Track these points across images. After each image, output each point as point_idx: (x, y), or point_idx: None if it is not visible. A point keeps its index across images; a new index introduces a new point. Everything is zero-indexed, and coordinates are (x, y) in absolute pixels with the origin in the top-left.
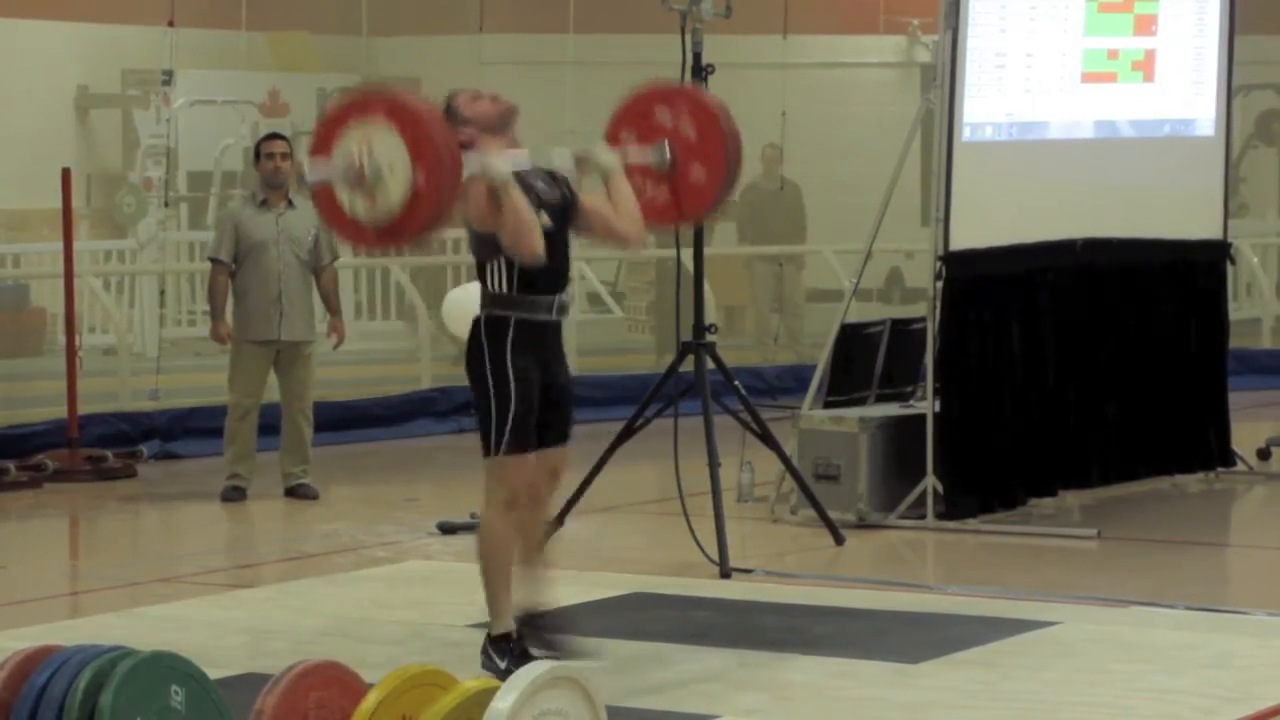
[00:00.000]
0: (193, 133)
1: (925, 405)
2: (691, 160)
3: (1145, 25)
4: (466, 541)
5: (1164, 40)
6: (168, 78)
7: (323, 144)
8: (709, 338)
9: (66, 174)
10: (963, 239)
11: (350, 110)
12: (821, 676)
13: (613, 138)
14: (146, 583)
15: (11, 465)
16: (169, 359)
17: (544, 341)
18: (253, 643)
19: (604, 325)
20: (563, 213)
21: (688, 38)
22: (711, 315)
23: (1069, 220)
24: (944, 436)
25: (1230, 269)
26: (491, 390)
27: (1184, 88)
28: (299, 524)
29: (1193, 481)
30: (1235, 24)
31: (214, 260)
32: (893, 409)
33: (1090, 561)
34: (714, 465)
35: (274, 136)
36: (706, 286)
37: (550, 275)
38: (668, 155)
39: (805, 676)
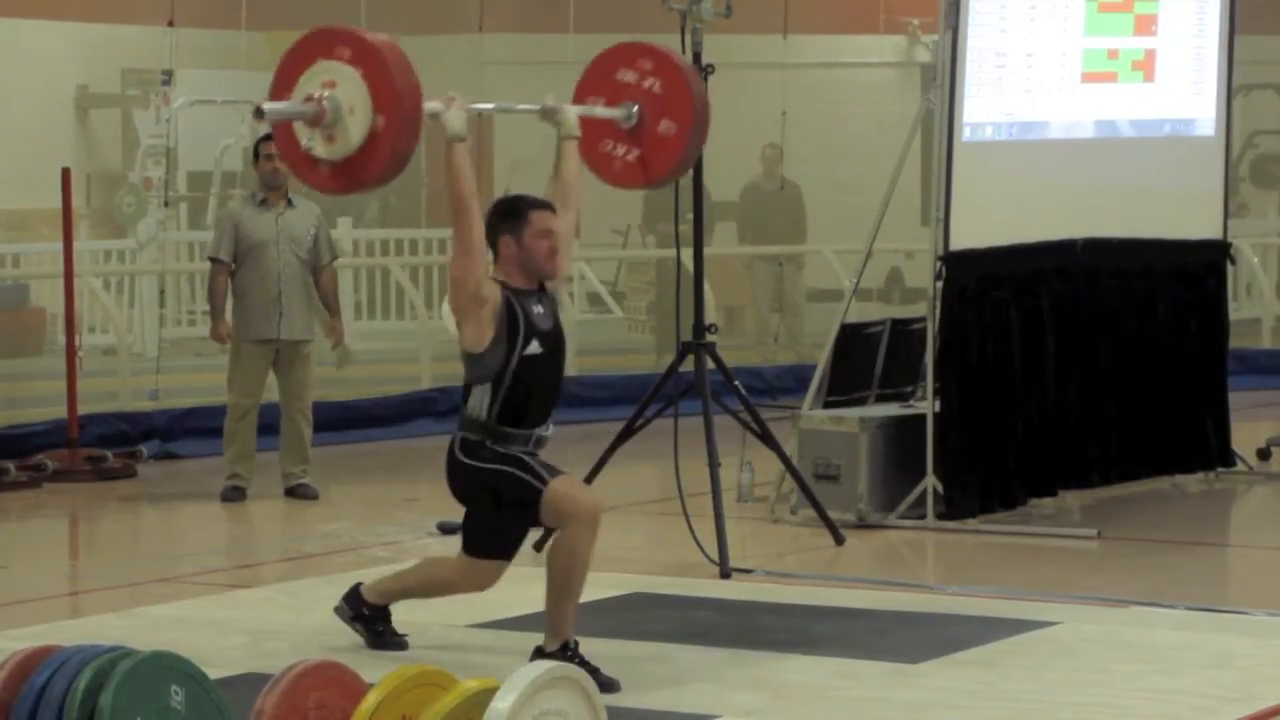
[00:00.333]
0: (192, 133)
1: (925, 405)
2: (660, 115)
3: (1145, 25)
4: None
5: (1164, 40)
6: (167, 78)
7: (286, 80)
8: (709, 338)
9: (66, 174)
10: (963, 239)
11: (316, 49)
12: (821, 676)
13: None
14: (146, 583)
15: (11, 465)
16: (169, 359)
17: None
18: (253, 643)
19: (604, 325)
20: (554, 341)
21: (688, 38)
22: (711, 315)
23: (1069, 220)
24: (944, 436)
25: (1230, 269)
26: (498, 469)
27: (1184, 88)
28: (299, 524)
29: (1193, 481)
30: (1235, 24)
31: (214, 260)
32: (893, 409)
33: (1090, 561)
34: (714, 465)
35: (273, 137)
36: (706, 286)
37: (535, 407)
38: (635, 110)
39: (805, 676)
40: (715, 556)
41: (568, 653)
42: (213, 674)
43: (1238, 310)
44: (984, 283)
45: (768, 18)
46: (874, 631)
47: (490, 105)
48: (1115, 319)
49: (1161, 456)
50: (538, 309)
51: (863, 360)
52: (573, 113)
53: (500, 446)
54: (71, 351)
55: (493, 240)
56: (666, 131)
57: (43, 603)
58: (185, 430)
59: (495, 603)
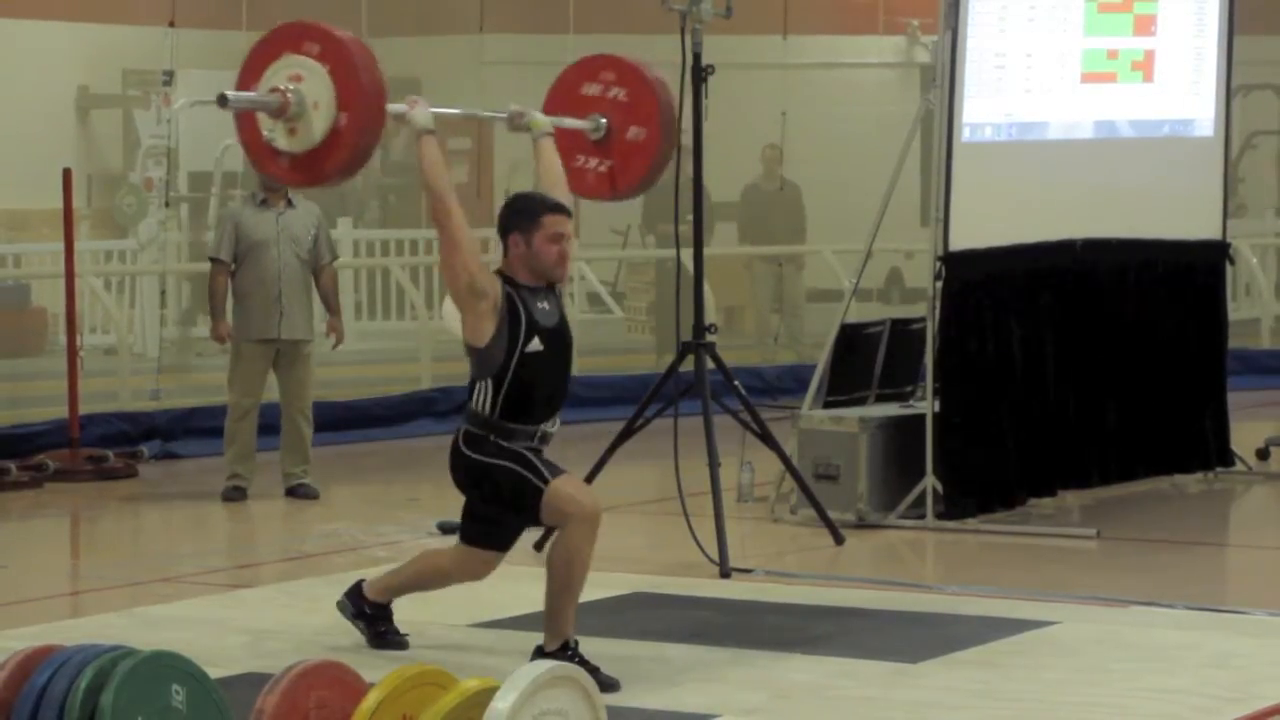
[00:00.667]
0: (193, 133)
1: (925, 405)
2: (628, 123)
3: (1145, 25)
4: None
5: (1163, 40)
6: (168, 78)
7: (253, 70)
8: (709, 338)
9: (67, 174)
10: (962, 239)
11: (284, 43)
12: (821, 676)
13: None
14: (147, 582)
15: (13, 465)
16: (169, 359)
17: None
18: (253, 642)
19: (604, 325)
20: (559, 338)
21: (688, 38)
22: (711, 315)
23: (1068, 220)
24: (943, 436)
25: (1229, 269)
26: (500, 465)
27: (1183, 88)
28: (299, 524)
29: (1192, 481)
30: (1234, 24)
31: (214, 260)
32: (892, 409)
33: (1090, 561)
34: (714, 465)
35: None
36: (706, 286)
37: (538, 403)
38: (602, 122)
39: (805, 676)
40: (715, 556)
41: (568, 652)
42: (213, 673)
43: (1237, 310)
44: (984, 283)
45: (768, 18)
46: (874, 631)
47: (455, 110)
48: (1114, 319)
49: (1161, 456)
50: (542, 305)
51: (863, 360)
52: (539, 114)
53: (504, 441)
54: (73, 351)
55: (503, 235)
56: (636, 138)
57: (44, 602)
58: (186, 430)
59: (495, 603)
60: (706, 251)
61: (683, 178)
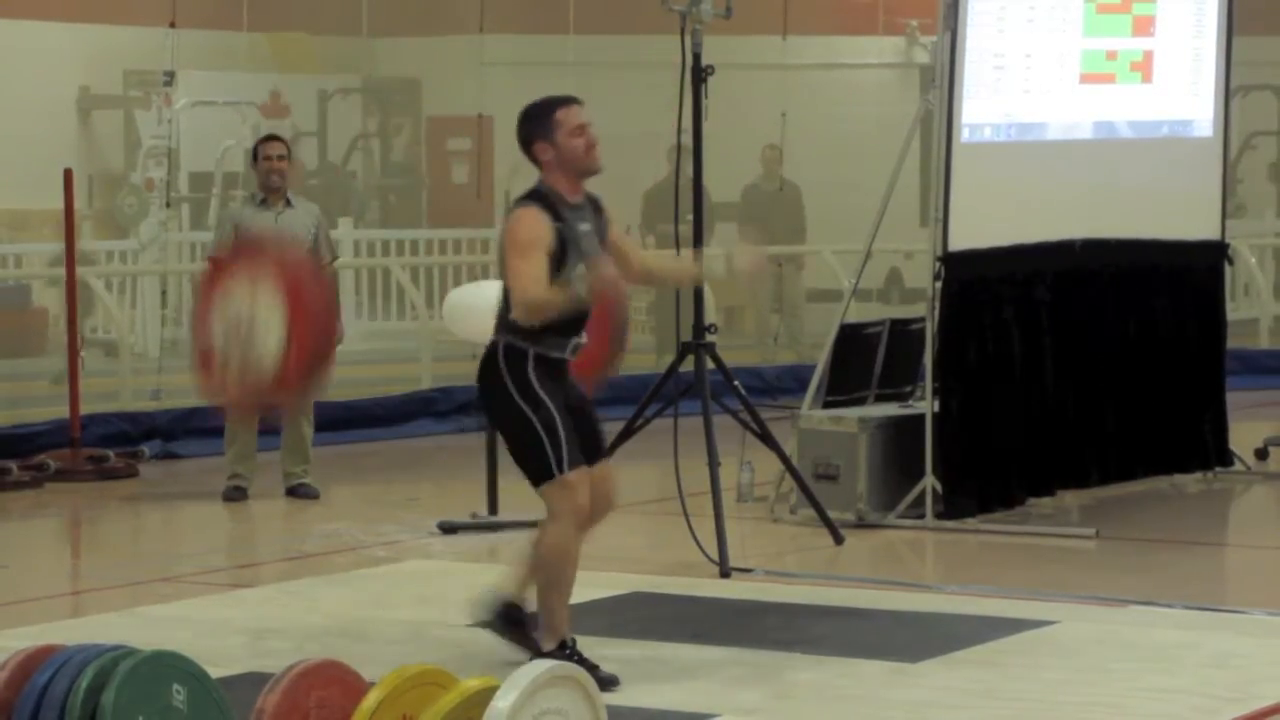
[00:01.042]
0: (194, 133)
1: (925, 405)
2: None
3: (1143, 26)
4: (467, 541)
5: (1162, 41)
6: (169, 79)
7: (206, 300)
8: (709, 338)
9: (68, 175)
10: (962, 239)
11: (234, 271)
12: (821, 676)
13: None
14: (148, 582)
15: (13, 465)
16: (170, 359)
17: (560, 374)
18: (253, 642)
19: None
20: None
21: (688, 38)
22: (711, 315)
23: (1068, 221)
24: (943, 436)
25: (1228, 269)
26: (532, 417)
27: (1182, 89)
28: (299, 524)
29: (1191, 481)
30: (1233, 25)
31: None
32: (892, 409)
33: (1089, 561)
34: (714, 465)
35: (271, 138)
36: (706, 286)
37: (576, 317)
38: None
39: (805, 676)
40: (715, 556)
41: (566, 651)
42: (214, 673)
43: (1235, 310)
44: (983, 283)
45: (767, 19)
46: (874, 631)
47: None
48: (1113, 319)
49: (1160, 456)
50: (584, 226)
51: (862, 360)
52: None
53: (542, 349)
54: (73, 352)
55: (529, 149)
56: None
57: (44, 602)
58: (187, 430)
59: None
60: (706, 251)
61: (683, 178)
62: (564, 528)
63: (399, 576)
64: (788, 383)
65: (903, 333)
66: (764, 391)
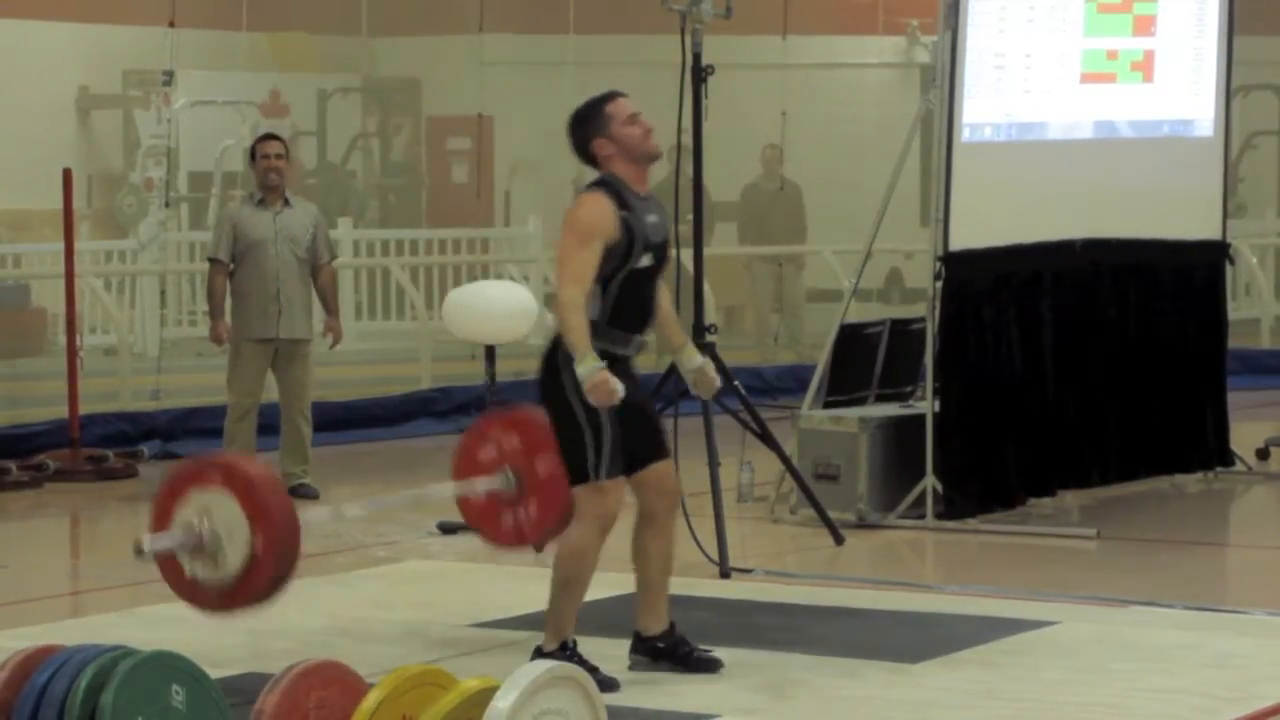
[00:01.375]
0: (193, 133)
1: (925, 405)
2: (532, 458)
3: (1144, 26)
4: (467, 541)
5: (1163, 41)
6: (168, 78)
7: (163, 514)
8: (709, 338)
9: (68, 174)
10: (962, 239)
11: (188, 480)
12: (821, 676)
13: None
14: (147, 582)
15: (13, 465)
16: (169, 359)
17: (622, 370)
18: (253, 642)
19: None
20: (663, 253)
21: (687, 38)
22: (711, 315)
23: (1068, 220)
24: (943, 436)
25: (1229, 269)
26: (583, 418)
27: (1183, 88)
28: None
29: (1191, 481)
30: (1234, 24)
31: (212, 260)
32: (892, 409)
33: (1089, 561)
34: (714, 465)
35: (269, 137)
36: (706, 286)
37: (642, 313)
38: (511, 478)
39: (805, 676)
40: (715, 556)
41: (567, 652)
42: (214, 673)
43: (1236, 310)
44: (983, 283)
45: (767, 18)
46: (874, 631)
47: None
48: (1114, 319)
49: (1160, 456)
50: (652, 219)
51: (862, 360)
52: (693, 356)
53: (604, 345)
54: (73, 351)
55: (586, 150)
56: (549, 468)
57: (44, 602)
58: (186, 430)
59: (495, 603)
60: (706, 251)
61: (683, 178)
62: (588, 530)
63: (398, 577)
64: (788, 383)
65: (903, 333)
66: (764, 391)
